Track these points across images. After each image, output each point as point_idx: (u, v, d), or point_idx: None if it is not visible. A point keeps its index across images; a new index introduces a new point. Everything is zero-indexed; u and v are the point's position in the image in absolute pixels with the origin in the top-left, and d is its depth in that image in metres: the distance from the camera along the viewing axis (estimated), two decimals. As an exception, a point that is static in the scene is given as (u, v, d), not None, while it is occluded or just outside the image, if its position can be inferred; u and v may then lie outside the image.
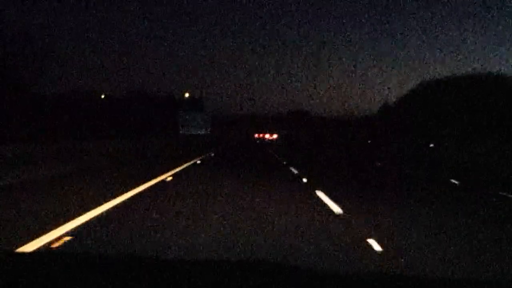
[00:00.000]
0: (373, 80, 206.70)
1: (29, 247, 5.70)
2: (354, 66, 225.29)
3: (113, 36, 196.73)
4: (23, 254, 3.77)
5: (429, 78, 67.59)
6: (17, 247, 5.62)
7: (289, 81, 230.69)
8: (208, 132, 72.12)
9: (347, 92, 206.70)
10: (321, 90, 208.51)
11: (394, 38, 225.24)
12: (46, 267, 1.84)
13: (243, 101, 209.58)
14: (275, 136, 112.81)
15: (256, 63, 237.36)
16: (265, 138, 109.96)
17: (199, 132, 73.29)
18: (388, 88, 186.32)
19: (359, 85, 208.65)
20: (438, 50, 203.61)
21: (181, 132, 71.59)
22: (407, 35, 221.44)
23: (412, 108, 62.48)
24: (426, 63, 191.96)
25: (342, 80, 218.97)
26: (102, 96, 64.91)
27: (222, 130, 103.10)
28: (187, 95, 74.94)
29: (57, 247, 5.72)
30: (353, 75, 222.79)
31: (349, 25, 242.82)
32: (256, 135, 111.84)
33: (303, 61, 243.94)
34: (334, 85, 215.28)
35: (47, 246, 5.76)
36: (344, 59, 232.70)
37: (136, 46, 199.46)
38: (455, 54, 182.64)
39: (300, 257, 5.46)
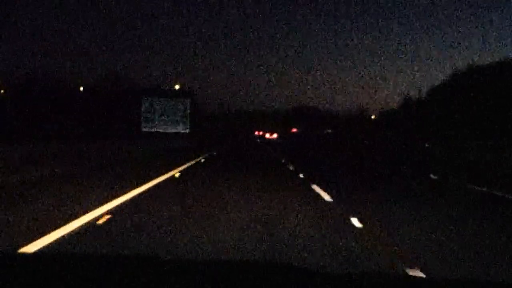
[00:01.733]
0: (391, 72, 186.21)
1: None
2: (370, 56, 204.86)
3: (105, 26, 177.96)
4: (25, 254, 4.13)
5: (465, 66, 55.67)
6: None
7: (295, 73, 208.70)
8: (187, 131, 47.84)
9: (362, 85, 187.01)
10: (332, 84, 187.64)
11: (414, 27, 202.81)
12: (48, 267, 1.83)
13: (243, 96, 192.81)
14: (275, 135, 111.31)
15: (258, 54, 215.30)
16: (266, 138, 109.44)
17: (171, 129, 47.14)
18: (409, 81, 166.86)
19: (375, 77, 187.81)
20: (463, 40, 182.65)
21: (144, 129, 46.70)
22: (430, 24, 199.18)
23: (453, 101, 49.85)
24: (451, 53, 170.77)
25: (356, 72, 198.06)
26: (81, 89, 58.49)
27: (217, 129, 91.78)
28: (177, 86, 56.15)
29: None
30: (368, 66, 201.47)
31: (364, 12, 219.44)
32: (257, 133, 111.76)
33: (311, 50, 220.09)
34: (347, 78, 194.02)
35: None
36: (358, 48, 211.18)
37: (129, 37, 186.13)
38: (484, 42, 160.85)
39: None
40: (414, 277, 3.46)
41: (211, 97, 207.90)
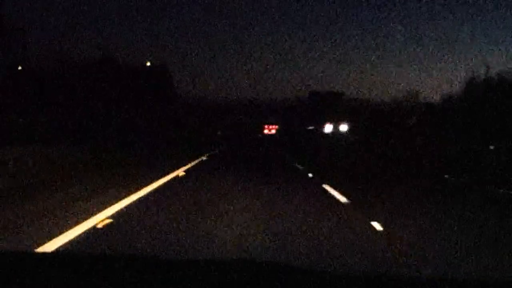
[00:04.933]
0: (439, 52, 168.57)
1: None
2: (408, 34, 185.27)
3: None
4: (43, 254, 4.31)
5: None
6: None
7: (316, 56, 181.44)
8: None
9: (403, 70, 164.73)
10: (361, 68, 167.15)
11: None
12: (66, 267, 1.83)
13: (242, 85, 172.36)
14: (273, 131, 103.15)
15: (268, 31, 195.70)
16: (264, 133, 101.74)
17: None
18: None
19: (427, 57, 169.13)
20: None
21: None
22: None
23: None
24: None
25: (393, 54, 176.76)
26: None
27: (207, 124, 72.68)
28: (148, 64, 49.83)
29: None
30: (409, 46, 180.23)
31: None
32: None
33: (341, 27, 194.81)
34: (377, 64, 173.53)
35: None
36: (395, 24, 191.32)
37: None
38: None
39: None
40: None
41: (210, 88, 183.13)
